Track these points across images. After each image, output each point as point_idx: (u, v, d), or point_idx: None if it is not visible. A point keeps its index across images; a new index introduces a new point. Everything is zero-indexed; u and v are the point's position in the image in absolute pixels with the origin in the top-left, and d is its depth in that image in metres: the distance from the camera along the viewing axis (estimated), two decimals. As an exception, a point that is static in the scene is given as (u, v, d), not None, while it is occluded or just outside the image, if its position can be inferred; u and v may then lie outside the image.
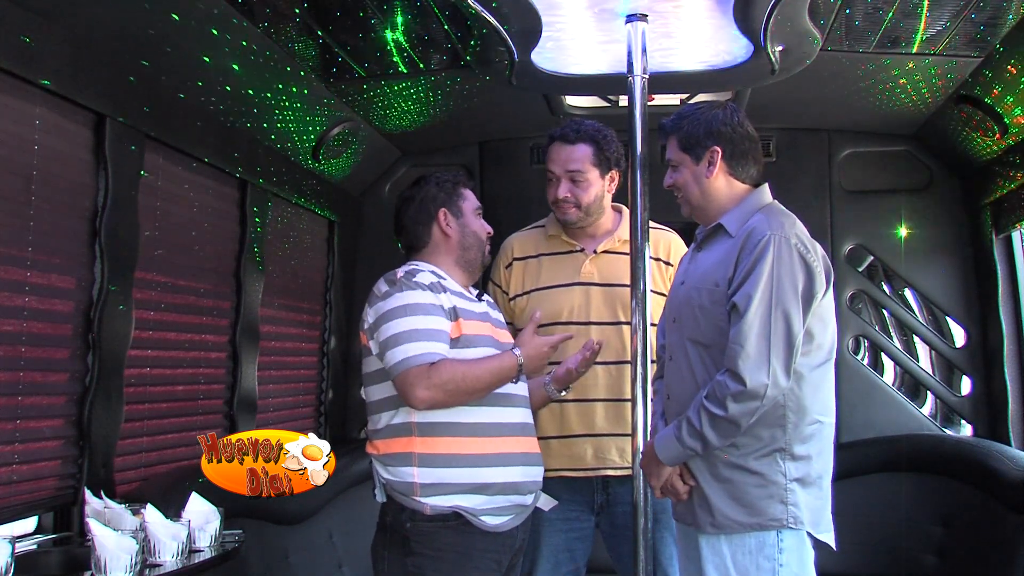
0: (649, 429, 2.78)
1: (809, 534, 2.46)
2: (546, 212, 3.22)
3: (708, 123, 2.59)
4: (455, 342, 2.62)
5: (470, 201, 2.85)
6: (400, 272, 2.70)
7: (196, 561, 2.50)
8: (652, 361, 2.86)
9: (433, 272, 2.73)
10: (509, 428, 2.67)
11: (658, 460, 2.51)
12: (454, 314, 2.65)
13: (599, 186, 3.06)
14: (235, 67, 3.10)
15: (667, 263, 3.12)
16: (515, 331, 2.97)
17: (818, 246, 2.49)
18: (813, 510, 2.45)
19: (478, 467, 2.59)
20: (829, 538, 2.49)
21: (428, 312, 2.60)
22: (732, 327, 2.39)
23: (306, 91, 3.52)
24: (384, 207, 4.50)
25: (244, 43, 3.02)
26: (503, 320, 2.94)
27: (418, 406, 2.57)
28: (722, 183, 2.59)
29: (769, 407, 2.37)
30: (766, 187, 2.62)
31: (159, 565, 2.40)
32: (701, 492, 2.48)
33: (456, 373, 2.55)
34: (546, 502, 2.82)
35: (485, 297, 2.90)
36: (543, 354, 2.70)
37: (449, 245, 2.80)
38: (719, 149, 2.57)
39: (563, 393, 2.86)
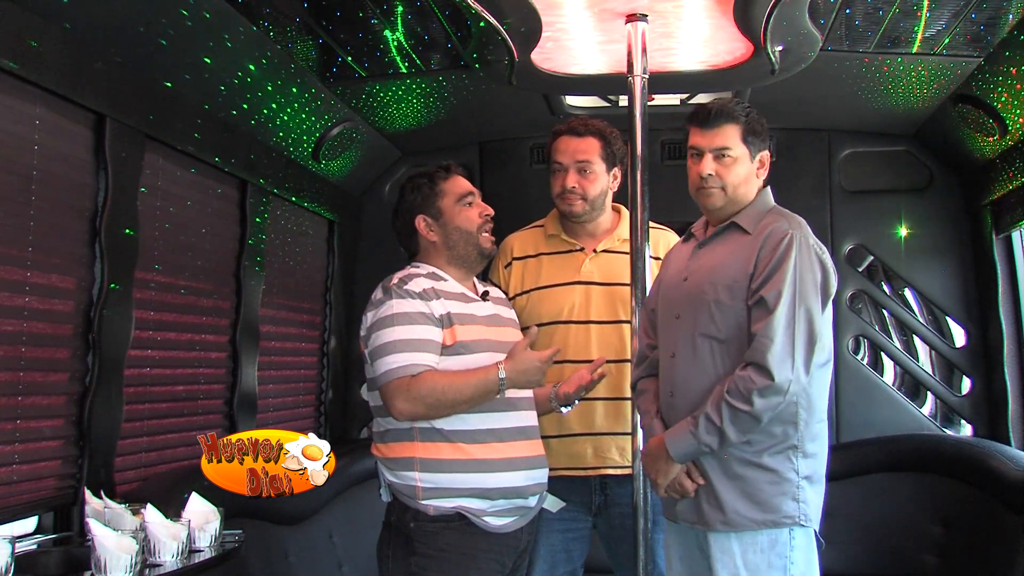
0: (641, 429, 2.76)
1: (814, 531, 2.48)
2: (546, 212, 3.22)
3: (762, 121, 2.58)
4: (449, 349, 2.61)
5: (451, 194, 2.77)
6: (395, 279, 2.69)
7: (196, 561, 2.50)
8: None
9: (432, 275, 2.72)
10: (511, 433, 2.66)
11: (667, 458, 2.48)
12: (448, 321, 2.63)
13: (604, 181, 3.07)
14: (235, 67, 3.10)
15: (666, 262, 3.12)
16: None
17: (825, 248, 2.53)
18: (817, 507, 2.48)
19: (480, 472, 2.59)
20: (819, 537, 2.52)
21: (415, 322, 2.60)
22: (757, 322, 2.40)
23: (306, 91, 3.52)
24: (384, 207, 4.48)
25: (244, 43, 3.02)
26: (515, 317, 2.93)
27: (398, 418, 2.58)
28: (756, 183, 2.61)
29: (786, 404, 2.38)
30: (769, 188, 2.65)
31: (159, 565, 2.40)
32: (712, 490, 2.47)
33: (436, 387, 2.54)
34: (553, 503, 2.81)
35: (494, 294, 2.87)
36: (534, 368, 2.57)
37: (436, 248, 2.77)
38: (768, 152, 2.61)
39: (565, 411, 2.83)
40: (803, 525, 2.44)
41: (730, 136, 2.52)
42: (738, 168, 2.54)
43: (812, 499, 2.45)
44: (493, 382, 2.56)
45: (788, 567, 2.42)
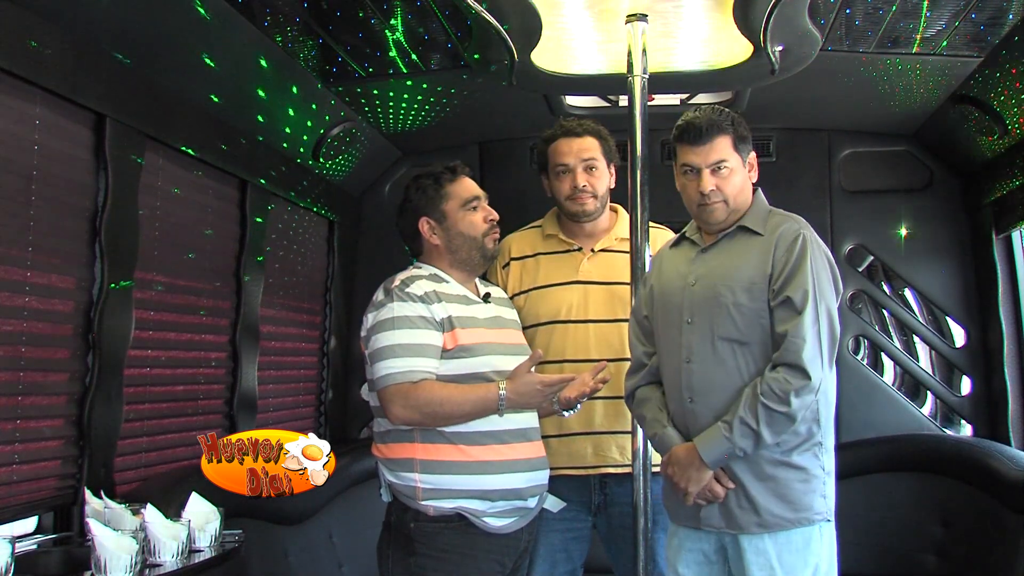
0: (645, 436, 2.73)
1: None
2: (546, 213, 3.22)
3: (745, 124, 2.59)
4: (450, 353, 2.61)
5: (457, 198, 2.75)
6: (397, 280, 2.69)
7: (196, 561, 2.50)
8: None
9: (434, 277, 2.72)
10: (512, 435, 2.65)
11: (699, 464, 2.45)
12: (449, 324, 2.63)
13: (607, 178, 3.08)
14: (235, 67, 3.10)
15: (666, 262, 3.12)
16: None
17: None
18: (833, 500, 2.50)
19: (480, 474, 2.59)
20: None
21: (416, 326, 2.59)
22: (784, 323, 2.41)
23: (306, 91, 3.52)
24: (384, 207, 4.50)
25: (244, 43, 3.02)
26: (517, 318, 2.93)
27: (394, 422, 2.59)
28: (750, 186, 2.62)
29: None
30: (760, 188, 2.66)
31: (159, 565, 2.40)
32: (744, 492, 2.46)
33: (435, 398, 2.54)
34: (554, 503, 2.81)
35: (496, 295, 2.87)
36: (535, 391, 2.56)
37: (439, 251, 2.77)
38: (754, 151, 2.61)
39: (567, 414, 2.79)
40: (829, 520, 2.47)
41: (723, 148, 2.53)
42: (735, 178, 2.55)
43: (833, 493, 2.49)
44: (492, 401, 2.56)
45: (819, 563, 2.45)
